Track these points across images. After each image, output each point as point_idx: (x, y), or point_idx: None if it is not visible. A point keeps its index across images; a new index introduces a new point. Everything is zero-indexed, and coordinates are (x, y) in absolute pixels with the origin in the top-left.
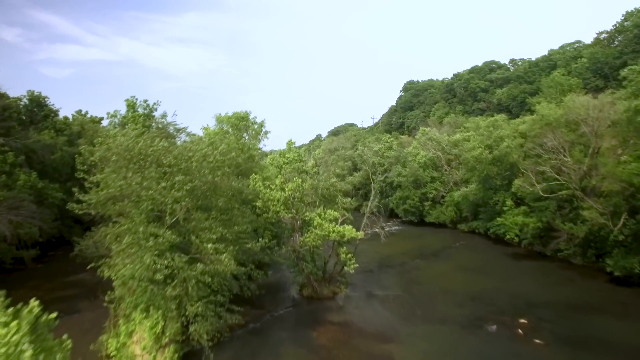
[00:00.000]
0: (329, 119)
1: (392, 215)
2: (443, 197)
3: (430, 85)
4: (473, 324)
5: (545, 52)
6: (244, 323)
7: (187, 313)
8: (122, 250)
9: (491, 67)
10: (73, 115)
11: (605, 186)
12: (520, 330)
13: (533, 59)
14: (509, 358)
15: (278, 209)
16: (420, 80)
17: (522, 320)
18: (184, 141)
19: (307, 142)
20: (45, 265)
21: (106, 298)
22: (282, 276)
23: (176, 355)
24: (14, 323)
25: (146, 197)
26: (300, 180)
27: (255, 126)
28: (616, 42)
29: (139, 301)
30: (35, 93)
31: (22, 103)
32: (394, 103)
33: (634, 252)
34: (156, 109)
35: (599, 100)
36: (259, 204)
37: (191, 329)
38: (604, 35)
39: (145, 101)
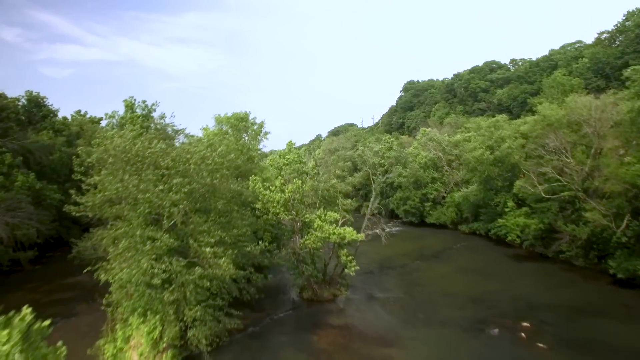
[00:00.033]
0: (329, 119)
1: (392, 216)
2: (444, 197)
3: (430, 85)
4: (475, 327)
5: (546, 52)
6: (244, 327)
7: (185, 318)
8: (119, 254)
9: (492, 67)
10: (72, 116)
11: (608, 187)
12: (522, 334)
13: (534, 59)
14: None
15: (278, 210)
16: (420, 81)
17: (525, 324)
18: (182, 142)
19: (307, 142)
20: (43, 267)
21: (103, 301)
22: (282, 278)
23: None
24: (4, 332)
25: (143, 200)
26: (300, 181)
27: (255, 127)
28: (617, 42)
29: (137, 305)
30: (34, 93)
31: (20, 103)
32: (394, 103)
33: (638, 254)
34: (155, 110)
35: (601, 100)
36: (258, 205)
37: (189, 333)
38: (605, 35)
39: (144, 102)
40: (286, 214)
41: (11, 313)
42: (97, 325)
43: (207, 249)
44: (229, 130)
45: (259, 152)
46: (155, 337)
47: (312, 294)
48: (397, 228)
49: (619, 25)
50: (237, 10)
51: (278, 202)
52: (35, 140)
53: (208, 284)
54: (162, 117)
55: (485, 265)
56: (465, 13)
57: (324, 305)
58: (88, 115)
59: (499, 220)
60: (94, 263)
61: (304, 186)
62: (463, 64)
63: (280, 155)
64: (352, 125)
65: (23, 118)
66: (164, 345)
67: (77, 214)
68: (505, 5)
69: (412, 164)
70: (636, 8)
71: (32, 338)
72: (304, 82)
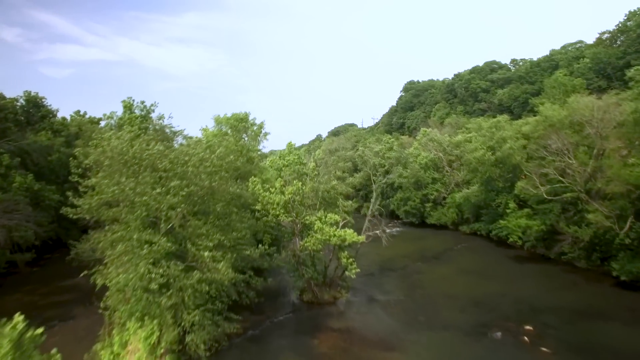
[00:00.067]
0: (329, 119)
1: (392, 216)
2: (444, 198)
3: (430, 85)
4: (477, 330)
5: (547, 52)
6: (243, 330)
7: (183, 322)
8: (116, 258)
9: (492, 67)
10: (71, 116)
11: (611, 189)
12: (525, 338)
13: (534, 59)
14: None
15: (278, 212)
16: (420, 81)
17: (528, 327)
18: (181, 144)
19: (307, 143)
20: (42, 269)
21: (101, 305)
22: (281, 280)
23: None
24: None
25: (140, 204)
26: (300, 183)
27: (255, 127)
28: (619, 42)
29: (134, 310)
30: (33, 93)
31: (18, 104)
32: (394, 103)
33: None
34: (153, 111)
35: (604, 101)
36: (258, 207)
37: (188, 338)
38: (606, 35)
39: (142, 102)
40: (286, 216)
41: (2, 321)
42: (94, 329)
43: (206, 253)
44: (229, 131)
45: (258, 152)
46: (152, 342)
47: (312, 296)
48: (398, 229)
49: (620, 25)
50: (237, 10)
51: (278, 203)
52: (34, 141)
53: (207, 288)
54: (161, 117)
55: (487, 266)
56: (465, 13)
57: (324, 308)
58: (87, 116)
59: (501, 221)
60: (92, 266)
61: (304, 188)
62: (463, 64)
63: (280, 157)
64: (352, 125)
65: (21, 118)
66: (162, 350)
67: (75, 217)
68: (505, 5)
69: (412, 165)
70: (638, 8)
71: (25, 347)
72: (304, 82)
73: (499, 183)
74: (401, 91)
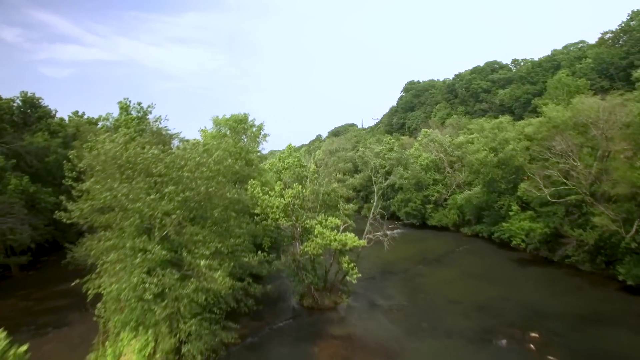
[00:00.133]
0: (329, 119)
1: (393, 217)
2: (445, 200)
3: (431, 85)
4: (481, 337)
5: (548, 52)
6: (242, 337)
7: (179, 333)
8: (109, 266)
9: (493, 67)
10: (69, 117)
11: (617, 191)
12: (531, 345)
13: (536, 59)
14: None
15: (277, 216)
16: (421, 81)
17: (533, 334)
18: (177, 146)
19: (307, 143)
20: (38, 272)
21: (96, 312)
22: (281, 284)
23: None
24: None
25: (133, 210)
26: (300, 186)
27: (254, 129)
28: (621, 42)
29: (128, 319)
30: (29, 94)
31: (15, 104)
32: (394, 103)
33: None
34: (150, 112)
35: (609, 102)
36: (257, 210)
37: (184, 349)
38: (608, 35)
39: (139, 104)
40: (286, 220)
41: None
42: (89, 336)
43: (202, 262)
44: (228, 133)
45: (258, 154)
46: (147, 353)
47: (312, 301)
48: (399, 230)
49: (623, 25)
50: (237, 10)
51: (277, 207)
52: (30, 142)
53: (203, 298)
54: (158, 119)
55: (489, 269)
56: (466, 13)
57: (324, 314)
58: (86, 116)
59: (504, 224)
60: (88, 270)
61: (304, 191)
62: (464, 64)
63: (279, 159)
64: (353, 125)
65: (18, 119)
66: None
67: (68, 221)
68: (506, 5)
69: (413, 166)
70: None
71: None
72: (304, 82)
73: (501, 185)
74: (401, 91)
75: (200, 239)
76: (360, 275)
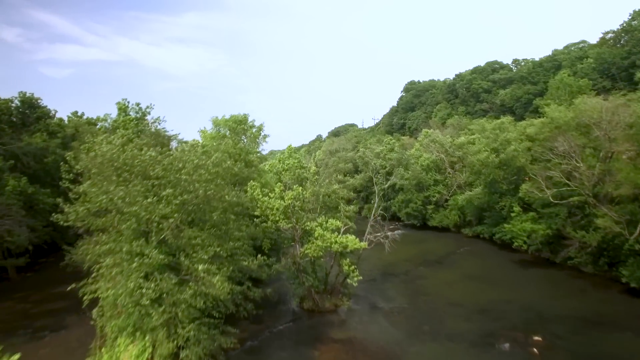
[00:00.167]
0: (329, 119)
1: (393, 218)
2: (446, 200)
3: (431, 85)
4: (484, 341)
5: (549, 52)
6: (241, 341)
7: (177, 338)
8: (106, 271)
9: (494, 67)
10: (68, 117)
11: (620, 192)
12: (535, 349)
13: (537, 59)
14: None
15: (277, 218)
16: (421, 81)
17: (537, 338)
18: (175, 148)
19: (307, 143)
20: (36, 274)
21: (93, 315)
22: (281, 286)
23: None
24: None
25: (130, 214)
26: (300, 188)
27: (254, 130)
28: (623, 42)
29: (125, 324)
30: (28, 94)
31: (13, 105)
32: (394, 103)
33: None
34: (149, 113)
35: (612, 102)
36: (257, 212)
37: (182, 354)
38: (610, 35)
39: (138, 104)
40: (286, 222)
41: None
42: (86, 340)
43: (200, 267)
44: (227, 133)
45: (257, 155)
46: (145, 359)
47: (313, 304)
48: (399, 231)
49: (624, 24)
50: (237, 10)
51: (277, 209)
52: (29, 143)
53: (202, 302)
54: (157, 120)
55: (491, 271)
56: (466, 13)
57: (325, 317)
58: (86, 117)
59: (505, 225)
60: (86, 273)
61: (304, 193)
62: (465, 64)
63: (279, 160)
64: (353, 125)
65: (16, 120)
66: None
67: (65, 224)
68: (506, 5)
69: (414, 166)
70: None
71: None
72: (304, 82)
73: (502, 185)
74: (402, 91)
75: (198, 243)
76: (361, 277)
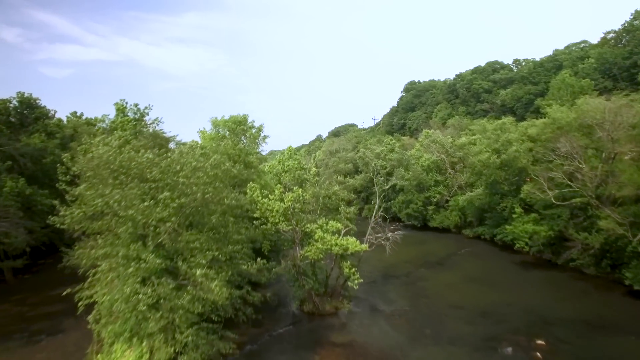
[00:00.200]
0: (329, 119)
1: (394, 219)
2: (447, 201)
3: (432, 85)
4: (486, 344)
5: (550, 52)
6: (240, 345)
7: (175, 344)
8: (102, 275)
9: (494, 67)
10: (67, 117)
11: (624, 194)
12: (538, 354)
13: (537, 59)
14: None
15: (277, 220)
16: (421, 81)
17: (539, 342)
18: (172, 149)
19: (307, 143)
20: (34, 276)
21: (90, 319)
22: (281, 289)
23: None
24: None
25: (126, 218)
26: (300, 189)
27: (254, 130)
28: (624, 42)
29: (121, 330)
30: (26, 94)
31: (11, 105)
32: (395, 103)
33: None
34: (148, 114)
35: (614, 102)
36: (256, 214)
37: None
38: (611, 34)
39: (136, 105)
40: (286, 224)
41: None
42: (84, 344)
43: (198, 272)
44: (227, 134)
45: (257, 155)
46: None
47: (313, 307)
48: (400, 232)
49: (626, 24)
50: (237, 10)
51: (277, 211)
52: (27, 144)
53: (200, 308)
54: (155, 121)
55: (492, 273)
56: (467, 13)
57: (325, 320)
58: (85, 117)
59: (507, 227)
60: (84, 276)
61: (304, 194)
62: (465, 64)
63: (279, 162)
64: (353, 125)
65: (14, 120)
66: None
67: (61, 227)
68: (507, 5)
69: (414, 167)
70: None
71: None
72: (304, 82)
73: (504, 186)
74: (402, 91)
75: (197, 247)
76: (361, 280)
